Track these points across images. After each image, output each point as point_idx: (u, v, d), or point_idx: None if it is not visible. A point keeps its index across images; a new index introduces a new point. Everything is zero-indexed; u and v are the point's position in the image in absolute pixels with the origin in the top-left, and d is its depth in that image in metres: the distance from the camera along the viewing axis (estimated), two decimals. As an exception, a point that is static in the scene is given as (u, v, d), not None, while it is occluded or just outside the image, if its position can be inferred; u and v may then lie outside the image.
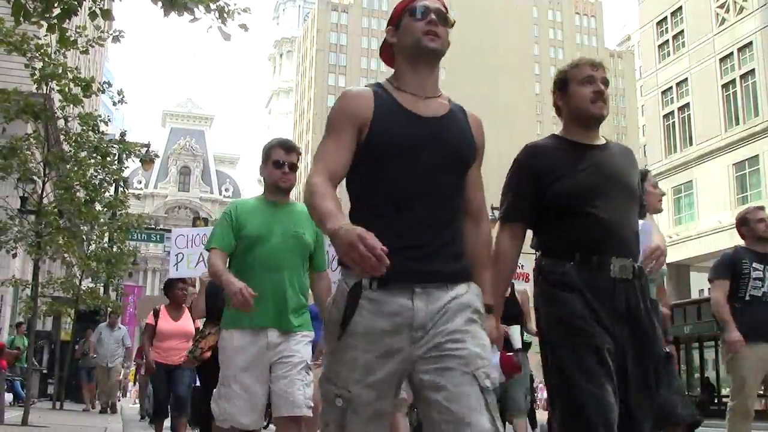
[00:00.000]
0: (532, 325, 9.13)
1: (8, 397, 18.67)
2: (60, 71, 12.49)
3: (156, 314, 10.06)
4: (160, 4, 7.81)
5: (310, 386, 5.14)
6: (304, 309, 5.31)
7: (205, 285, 7.96)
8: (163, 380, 9.80)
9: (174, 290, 10.13)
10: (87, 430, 12.01)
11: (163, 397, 9.95)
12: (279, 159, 5.32)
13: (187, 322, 9.96)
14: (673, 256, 33.20)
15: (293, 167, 5.36)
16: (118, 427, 12.84)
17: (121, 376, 41.38)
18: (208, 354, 7.53)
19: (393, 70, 3.40)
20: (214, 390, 5.30)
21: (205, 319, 8.27)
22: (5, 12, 10.37)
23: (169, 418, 10.31)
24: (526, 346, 9.20)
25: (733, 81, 37.93)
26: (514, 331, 8.44)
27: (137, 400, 28.93)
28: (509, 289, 7.78)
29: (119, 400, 36.90)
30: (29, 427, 11.26)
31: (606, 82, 4.03)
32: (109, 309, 21.46)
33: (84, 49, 12.71)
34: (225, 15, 8.17)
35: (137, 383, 27.36)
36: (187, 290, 10.32)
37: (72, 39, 12.07)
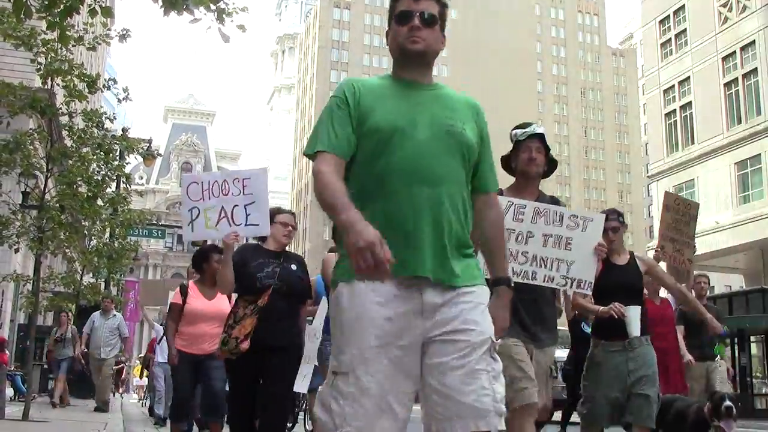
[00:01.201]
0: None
1: (9, 392, 18.68)
2: (66, 67, 12.49)
3: (183, 291, 8.29)
4: (160, 3, 7.82)
5: (500, 380, 3.14)
6: (470, 250, 3.29)
7: (231, 250, 6.55)
8: (188, 374, 8.09)
9: (210, 262, 8.20)
10: (87, 425, 12.01)
11: (186, 395, 8.26)
12: (406, 9, 3.35)
13: (222, 303, 7.97)
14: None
15: (431, 21, 3.36)
16: (119, 423, 12.85)
17: (114, 371, 41.52)
18: (247, 345, 6.30)
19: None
20: (321, 387, 3.23)
21: (236, 296, 6.87)
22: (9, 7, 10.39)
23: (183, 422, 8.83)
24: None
25: (735, 80, 37.88)
26: (634, 313, 6.47)
27: (141, 397, 28.77)
28: (629, 257, 6.81)
29: (119, 395, 36.87)
30: (30, 422, 11.28)
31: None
32: (103, 296, 20.09)
33: (91, 46, 12.73)
34: (224, 16, 8.18)
35: (147, 378, 24.61)
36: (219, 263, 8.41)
37: (77, 36, 12.12)
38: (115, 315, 17.83)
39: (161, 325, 15.13)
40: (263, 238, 6.89)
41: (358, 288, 3.02)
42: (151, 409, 17.19)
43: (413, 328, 3.02)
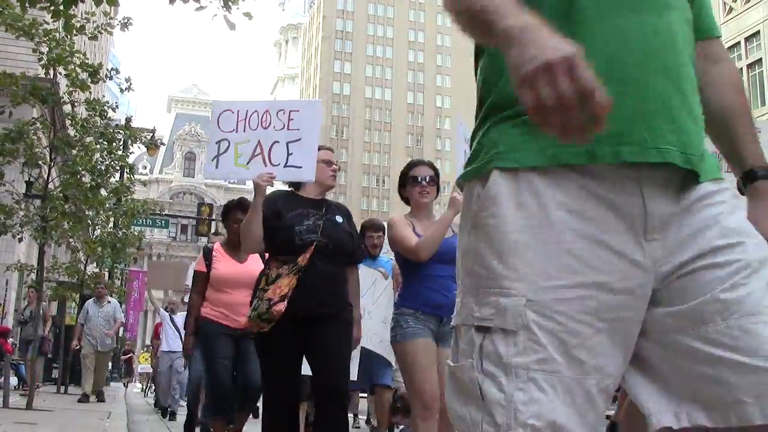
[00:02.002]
0: None
1: (13, 381, 18.73)
2: (67, 55, 12.49)
3: (208, 256, 7.12)
4: (166, -9, 7.81)
5: None
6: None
7: (262, 194, 5.23)
8: (229, 350, 6.83)
9: (236, 219, 6.91)
10: (90, 414, 12.04)
11: (228, 378, 6.86)
12: None
13: (256, 266, 6.43)
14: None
15: None
16: (122, 412, 12.88)
17: (123, 361, 41.41)
18: (282, 307, 4.95)
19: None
20: (453, 363, 1.85)
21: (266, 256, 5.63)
22: (12, -3, 10.40)
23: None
24: None
25: (740, 70, 37.71)
26: None
27: (144, 386, 28.74)
28: None
29: (125, 384, 36.94)
30: (34, 411, 11.30)
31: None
32: (98, 282, 18.73)
33: (93, 35, 12.71)
34: (230, 3, 8.17)
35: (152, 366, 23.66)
36: None
37: (79, 25, 12.13)
38: (109, 302, 16.89)
39: (166, 310, 14.98)
40: (298, 185, 5.56)
41: (536, 182, 1.71)
42: (158, 401, 17.04)
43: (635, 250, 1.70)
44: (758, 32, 36.63)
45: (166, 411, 14.63)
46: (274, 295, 4.97)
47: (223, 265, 7.10)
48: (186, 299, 9.51)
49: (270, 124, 5.53)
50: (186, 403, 11.12)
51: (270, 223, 5.16)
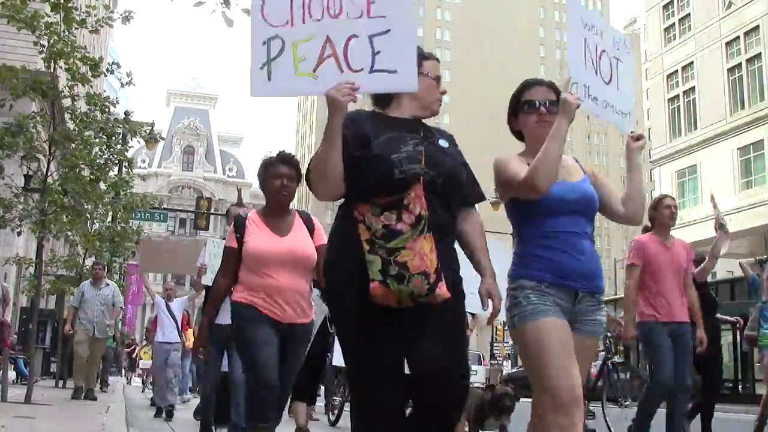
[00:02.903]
0: None
1: (12, 375, 18.75)
2: (68, 49, 12.47)
3: (240, 227, 5.72)
4: (165, -15, 7.79)
5: None
6: None
7: (341, 113, 3.65)
8: (274, 338, 5.48)
9: (277, 176, 5.69)
10: (89, 408, 12.05)
11: (273, 376, 5.41)
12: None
13: (301, 241, 5.63)
14: (676, 240, 33.11)
15: None
16: (121, 406, 12.89)
17: (126, 353, 41.15)
18: (446, 290, 3.63)
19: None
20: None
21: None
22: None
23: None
24: None
25: (739, 65, 37.82)
26: None
27: (144, 383, 28.64)
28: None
29: (127, 379, 36.80)
30: (32, 405, 11.31)
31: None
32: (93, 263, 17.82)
33: (93, 28, 12.69)
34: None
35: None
36: (293, 182, 5.70)
37: (80, 19, 12.11)
38: (108, 284, 15.68)
39: (163, 298, 14.16)
40: (385, 102, 4.00)
41: None
42: (154, 399, 15.14)
43: None
44: (757, 27, 36.65)
45: (161, 411, 13.09)
46: (426, 265, 3.52)
47: (259, 238, 5.62)
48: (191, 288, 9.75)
49: (341, 10, 3.76)
50: (196, 410, 10.08)
51: (353, 154, 3.69)
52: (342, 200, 3.86)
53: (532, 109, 4.15)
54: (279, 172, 5.64)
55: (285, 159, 5.73)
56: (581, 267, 3.97)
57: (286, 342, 5.58)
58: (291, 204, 5.91)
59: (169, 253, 14.41)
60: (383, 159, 3.67)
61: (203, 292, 9.01)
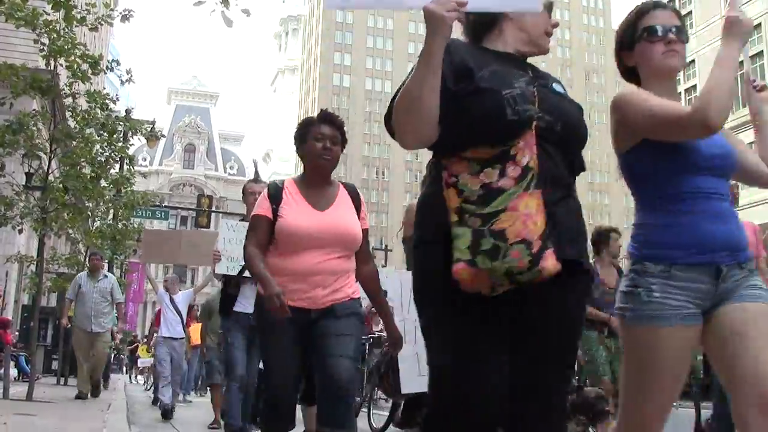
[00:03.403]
0: None
1: (13, 372, 18.76)
2: (68, 47, 12.48)
3: (276, 195, 4.80)
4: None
5: None
6: None
7: (445, 36, 2.88)
8: (291, 343, 4.63)
9: (319, 138, 4.84)
10: (90, 405, 12.06)
11: (288, 381, 4.73)
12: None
13: (344, 216, 4.79)
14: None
15: None
16: (122, 404, 12.90)
17: (128, 351, 41.04)
18: (554, 263, 2.72)
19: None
20: None
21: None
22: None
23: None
24: None
25: (740, 63, 37.76)
26: None
27: (144, 380, 28.62)
28: None
29: (132, 379, 36.78)
30: (34, 402, 11.32)
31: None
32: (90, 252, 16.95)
33: (93, 26, 12.70)
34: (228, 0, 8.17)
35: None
36: (336, 145, 4.91)
37: (80, 17, 12.12)
38: (106, 276, 14.59)
39: (165, 290, 13.56)
40: (483, 30, 3.21)
41: None
42: (157, 398, 14.32)
43: None
44: (759, 24, 36.63)
45: (167, 409, 12.10)
46: (528, 230, 2.65)
47: (296, 212, 4.69)
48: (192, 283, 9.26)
49: None
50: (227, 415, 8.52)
51: (453, 88, 2.84)
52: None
53: (657, 37, 3.35)
54: (321, 133, 4.82)
55: (328, 118, 4.93)
56: (727, 236, 3.14)
57: (326, 326, 4.59)
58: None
59: (172, 243, 13.49)
60: (493, 94, 2.79)
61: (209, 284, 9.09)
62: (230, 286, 7.21)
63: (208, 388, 13.45)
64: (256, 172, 8.51)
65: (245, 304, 6.78)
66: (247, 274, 6.59)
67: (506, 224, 2.63)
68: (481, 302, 2.73)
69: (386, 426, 9.04)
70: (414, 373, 5.76)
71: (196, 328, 16.20)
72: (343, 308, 4.70)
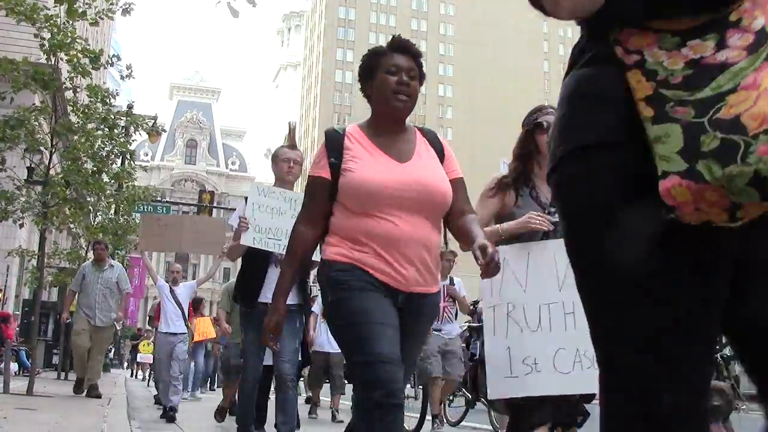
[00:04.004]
0: None
1: (14, 366, 18.78)
2: (69, 41, 12.48)
3: (335, 147, 3.80)
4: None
5: None
6: None
7: None
8: (394, 317, 3.61)
9: (398, 75, 3.78)
10: (91, 400, 12.05)
11: (400, 387, 3.56)
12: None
13: (432, 167, 3.82)
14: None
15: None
16: (122, 398, 12.90)
17: (131, 346, 40.80)
18: None
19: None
20: None
21: None
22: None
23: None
24: None
25: (742, 61, 37.90)
26: None
27: (146, 378, 28.51)
28: None
29: (135, 376, 36.70)
30: (34, 397, 11.32)
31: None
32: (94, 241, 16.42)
33: (93, 20, 12.69)
34: (234, -9, 8.15)
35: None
36: (415, 80, 3.82)
37: (81, 11, 12.11)
38: (112, 265, 13.73)
39: (167, 282, 12.27)
40: None
41: None
42: (158, 399, 13.35)
43: None
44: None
45: (169, 411, 10.93)
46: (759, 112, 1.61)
47: (369, 164, 3.68)
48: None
49: None
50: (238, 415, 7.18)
51: None
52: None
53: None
54: (395, 64, 3.74)
55: (402, 46, 3.86)
56: None
57: (405, 319, 3.63)
58: None
59: (174, 230, 12.43)
60: None
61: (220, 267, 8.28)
62: (253, 268, 6.33)
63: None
64: (292, 135, 7.12)
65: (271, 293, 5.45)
66: (277, 250, 6.09)
67: (741, 108, 1.66)
68: (709, 243, 1.74)
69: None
70: (501, 374, 4.51)
71: (202, 322, 16.01)
72: (429, 304, 3.81)
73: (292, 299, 5.71)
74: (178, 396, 11.29)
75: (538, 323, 4.53)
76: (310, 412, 12.92)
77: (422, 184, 3.68)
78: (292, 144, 6.82)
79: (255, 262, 6.36)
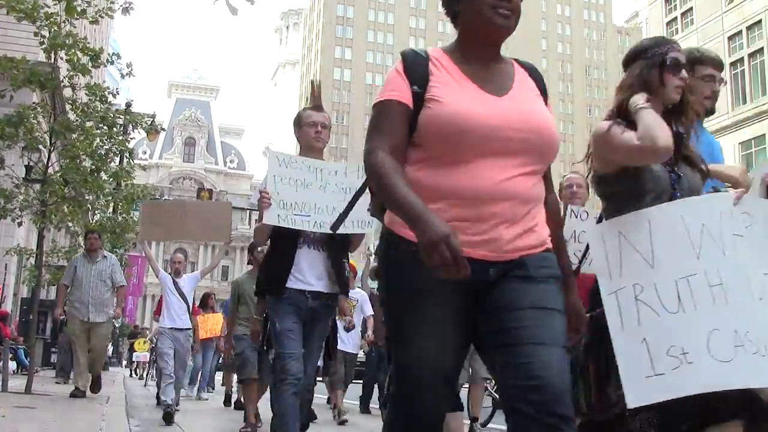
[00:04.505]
0: None
1: (12, 365, 18.77)
2: (69, 41, 12.48)
3: (418, 70, 2.86)
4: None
5: None
6: None
7: None
8: (457, 326, 2.79)
9: None
10: (89, 399, 12.04)
11: (445, 381, 2.86)
12: None
13: (535, 102, 2.91)
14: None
15: None
16: (121, 397, 12.90)
17: (128, 344, 40.65)
18: None
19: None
20: None
21: None
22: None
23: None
24: None
25: (741, 59, 37.79)
26: None
27: (146, 377, 28.42)
28: None
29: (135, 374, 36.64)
30: (32, 395, 11.31)
31: None
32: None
33: (93, 19, 12.69)
34: (232, -12, 8.14)
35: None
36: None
37: (80, 9, 12.11)
38: (105, 256, 12.73)
39: (170, 273, 11.51)
40: None
41: None
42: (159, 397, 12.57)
43: None
44: (760, 21, 36.62)
45: (168, 410, 10.08)
46: None
47: (462, 94, 2.80)
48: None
49: None
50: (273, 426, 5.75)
51: None
52: None
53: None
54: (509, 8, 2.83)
55: None
56: None
57: (507, 290, 2.71)
58: None
59: (176, 216, 11.45)
60: None
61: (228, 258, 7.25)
62: (279, 250, 5.49)
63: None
64: (317, 95, 5.91)
65: (301, 277, 5.33)
66: (308, 227, 5.30)
67: None
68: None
69: None
70: (641, 374, 3.39)
71: (211, 319, 15.83)
72: (539, 264, 2.75)
73: (328, 287, 5.44)
74: (176, 394, 10.77)
75: (677, 303, 3.48)
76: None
77: (530, 123, 2.76)
78: (317, 105, 5.78)
79: (282, 242, 5.45)
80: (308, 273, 5.28)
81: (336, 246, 5.48)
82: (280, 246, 5.47)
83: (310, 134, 5.59)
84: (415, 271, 2.58)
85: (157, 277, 11.67)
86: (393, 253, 2.83)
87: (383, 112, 2.84)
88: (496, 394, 9.70)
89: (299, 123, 5.68)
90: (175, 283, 11.21)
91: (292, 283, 5.29)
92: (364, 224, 5.34)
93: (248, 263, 10.59)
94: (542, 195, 2.88)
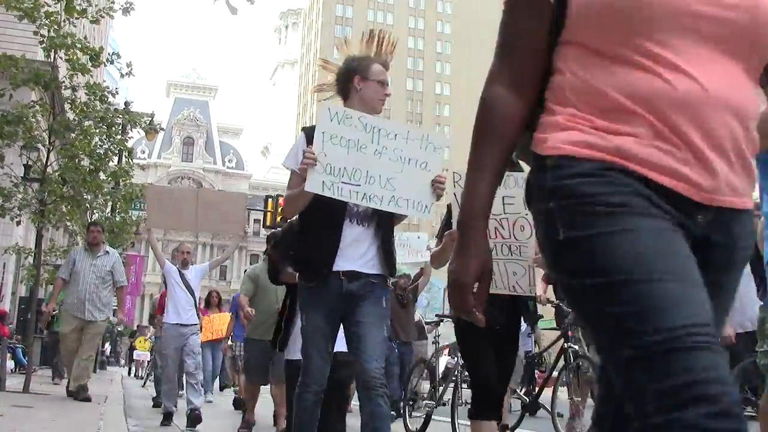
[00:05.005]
0: None
1: (10, 364, 18.74)
2: (69, 41, 12.48)
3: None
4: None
5: None
6: None
7: None
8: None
9: None
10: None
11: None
12: None
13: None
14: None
15: None
16: (119, 396, 12.89)
17: (128, 344, 40.41)
18: None
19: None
20: None
21: None
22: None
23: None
24: None
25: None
26: None
27: (144, 376, 28.36)
28: None
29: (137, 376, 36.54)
30: (30, 395, 11.30)
31: None
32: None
33: (94, 19, 12.70)
34: (231, -12, 8.16)
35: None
36: None
37: (80, 9, 12.12)
38: (107, 252, 11.83)
39: (175, 265, 10.48)
40: None
41: None
42: (158, 401, 12.36)
43: None
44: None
45: (169, 415, 9.78)
46: None
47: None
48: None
49: None
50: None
51: None
52: None
53: None
54: None
55: None
56: None
57: (710, 259, 1.83)
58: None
59: (186, 204, 10.48)
60: None
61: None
62: (321, 226, 4.50)
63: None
64: (386, 46, 4.87)
65: (348, 256, 4.44)
66: (355, 200, 4.40)
67: None
68: None
69: None
70: None
71: (219, 319, 15.63)
72: (744, 227, 1.90)
73: (374, 268, 4.49)
74: (199, 395, 9.80)
75: None
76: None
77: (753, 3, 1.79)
78: (385, 61, 4.75)
79: (325, 216, 4.47)
80: (350, 252, 4.40)
81: (385, 223, 4.57)
82: (322, 220, 4.48)
83: (378, 93, 4.63)
84: (606, 203, 1.72)
85: (162, 268, 10.63)
86: (555, 179, 1.80)
87: (510, 20, 2.03)
88: (525, 398, 9.25)
89: (365, 73, 4.61)
90: (182, 275, 10.18)
91: (339, 266, 4.41)
92: (422, 207, 4.39)
93: (264, 254, 9.57)
94: (756, 105, 1.87)
